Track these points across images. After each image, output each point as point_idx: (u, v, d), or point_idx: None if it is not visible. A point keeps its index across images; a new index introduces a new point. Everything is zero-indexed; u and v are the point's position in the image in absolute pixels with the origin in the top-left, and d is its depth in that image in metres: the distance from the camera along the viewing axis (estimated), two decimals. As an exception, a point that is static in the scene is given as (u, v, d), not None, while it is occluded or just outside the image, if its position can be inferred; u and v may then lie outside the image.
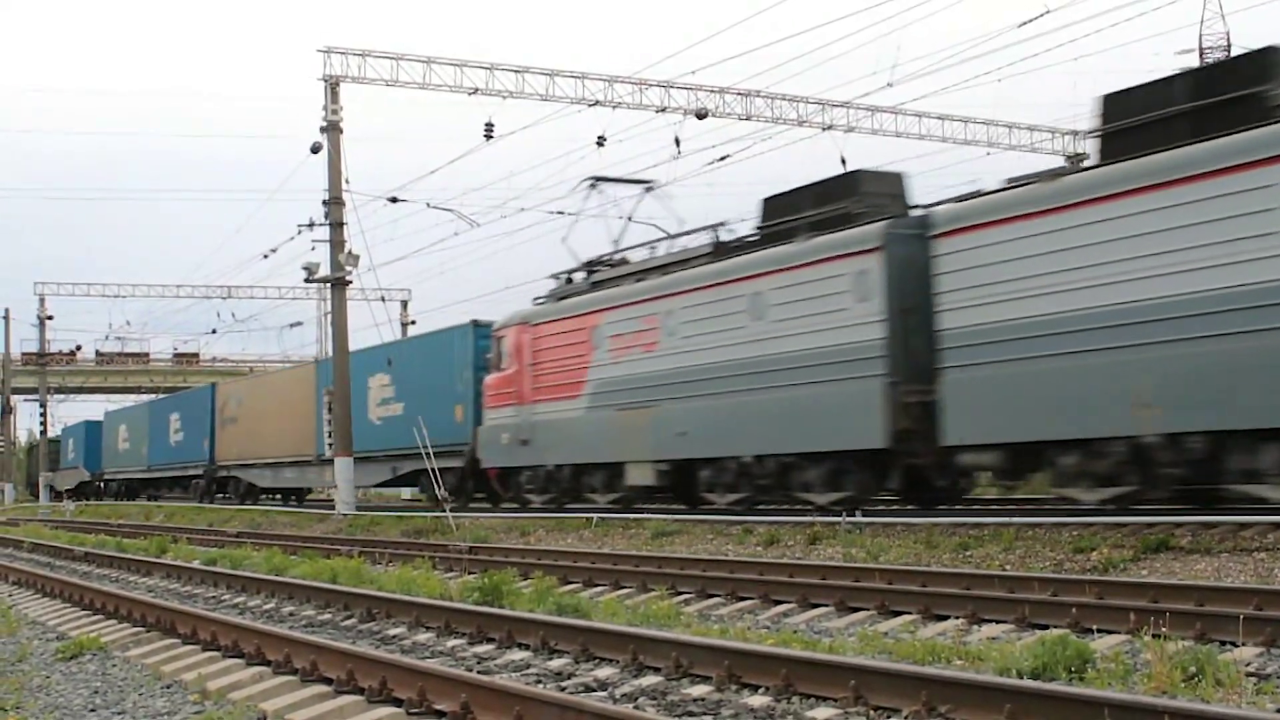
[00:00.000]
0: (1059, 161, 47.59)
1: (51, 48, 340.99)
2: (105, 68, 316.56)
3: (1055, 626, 11.31)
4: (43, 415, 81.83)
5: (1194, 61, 58.19)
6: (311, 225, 37.68)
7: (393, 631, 13.14)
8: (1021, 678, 8.75)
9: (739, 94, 41.09)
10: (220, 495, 57.34)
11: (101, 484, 77.08)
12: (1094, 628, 11.21)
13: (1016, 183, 19.98)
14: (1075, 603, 12.03)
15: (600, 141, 38.25)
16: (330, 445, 39.27)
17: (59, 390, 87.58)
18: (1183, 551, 15.84)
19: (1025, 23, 31.81)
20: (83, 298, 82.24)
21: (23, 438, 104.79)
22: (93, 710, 9.76)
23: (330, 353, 40.95)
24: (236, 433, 53.79)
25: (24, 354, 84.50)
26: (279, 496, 53.27)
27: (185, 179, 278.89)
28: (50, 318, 79.18)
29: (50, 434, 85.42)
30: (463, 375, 35.78)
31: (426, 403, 36.37)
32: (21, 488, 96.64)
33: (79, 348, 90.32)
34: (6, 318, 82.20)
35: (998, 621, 12.18)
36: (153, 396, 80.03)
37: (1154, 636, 9.97)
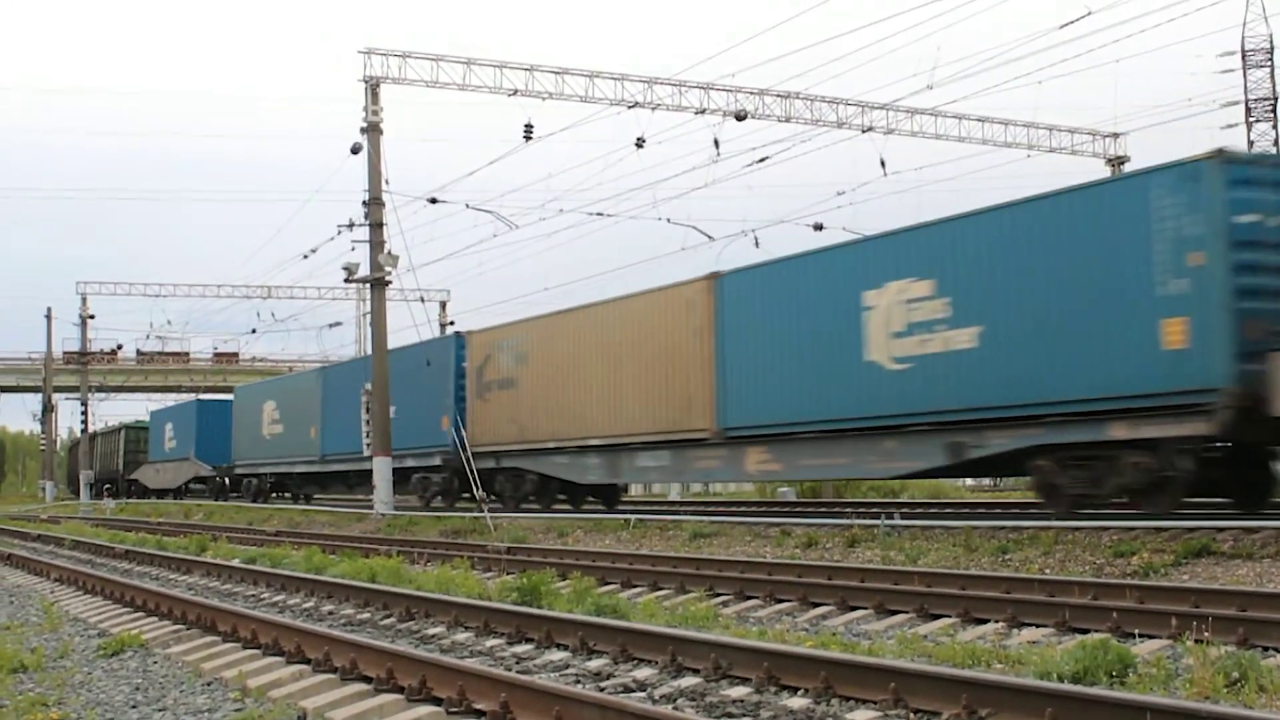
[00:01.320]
0: (1100, 164, 47.45)
1: (99, 50, 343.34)
2: (150, 70, 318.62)
3: (1096, 631, 11.25)
4: (84, 414, 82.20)
5: (1236, 63, 57.92)
6: (351, 226, 37.77)
7: (431, 631, 13.16)
8: (1062, 681, 8.69)
9: (778, 95, 41.06)
10: (488, 499, 33.65)
11: (225, 480, 61.06)
12: (1135, 632, 11.16)
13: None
14: (1116, 607, 11.96)
15: (639, 143, 38.24)
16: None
17: (100, 389, 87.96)
18: (1224, 556, 15.74)
19: (1066, 24, 31.68)
20: (124, 297, 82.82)
21: (64, 436, 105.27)
22: (134, 707, 9.80)
23: (369, 350, 41.02)
24: (515, 402, 34.79)
25: (66, 353, 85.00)
26: (593, 498, 37.00)
27: (228, 180, 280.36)
28: (92, 317, 79.63)
29: (92, 429, 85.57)
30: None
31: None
32: (63, 485, 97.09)
33: (120, 347, 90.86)
34: (49, 317, 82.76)
35: (1038, 625, 12.12)
36: (296, 369, 74.65)
37: (1196, 641, 9.91)
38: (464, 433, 34.84)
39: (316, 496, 53.50)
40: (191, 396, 77.44)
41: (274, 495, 54.87)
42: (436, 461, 37.43)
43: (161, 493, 70.06)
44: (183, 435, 65.43)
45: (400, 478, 38.42)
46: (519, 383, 34.48)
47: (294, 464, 49.63)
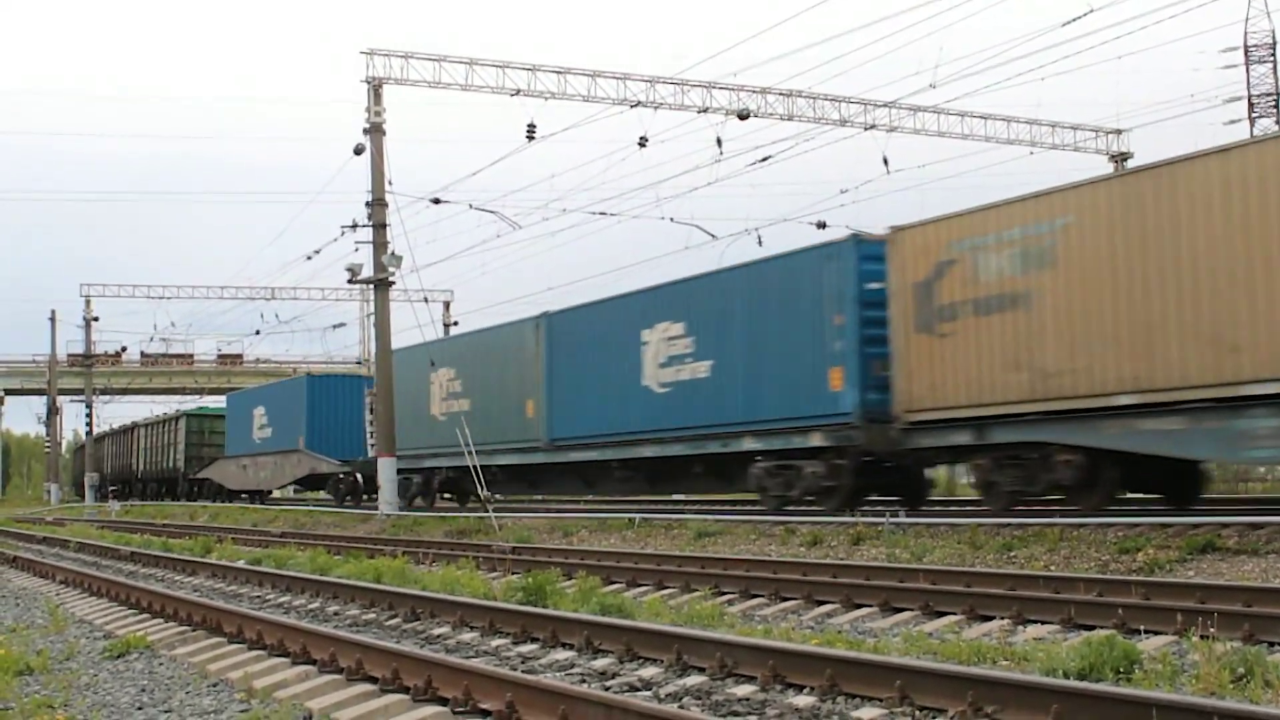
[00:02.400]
0: (1103, 161, 47.44)
1: (101, 53, 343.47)
2: (152, 72, 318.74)
3: (1101, 627, 11.25)
4: (88, 416, 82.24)
5: (1239, 59, 57.90)
6: (355, 226, 37.81)
7: (437, 631, 13.16)
8: (1068, 678, 8.70)
9: (781, 94, 41.05)
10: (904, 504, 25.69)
11: (358, 478, 45.54)
12: (1141, 628, 11.15)
13: None
14: (1121, 603, 11.97)
15: (642, 142, 38.25)
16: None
17: (104, 391, 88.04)
18: (1229, 552, 15.75)
19: (1069, 22, 31.61)
20: (128, 299, 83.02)
21: (69, 438, 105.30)
22: (140, 708, 9.81)
23: (374, 353, 41.01)
24: (1024, 330, 21.58)
25: (70, 355, 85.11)
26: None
27: (230, 181, 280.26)
28: (96, 319, 79.63)
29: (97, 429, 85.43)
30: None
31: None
32: (68, 488, 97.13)
33: (124, 349, 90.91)
34: (53, 319, 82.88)
35: (1043, 622, 12.12)
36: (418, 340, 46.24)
37: (1202, 637, 9.92)
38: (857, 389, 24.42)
39: (535, 498, 42.68)
40: (195, 400, 77.65)
41: (443, 495, 41.51)
42: (816, 442, 25.16)
43: (251, 495, 58.86)
44: (284, 420, 51.22)
45: (719, 466, 28.92)
46: (1033, 297, 21.18)
47: (493, 453, 35.21)
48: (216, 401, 73.31)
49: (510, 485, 37.74)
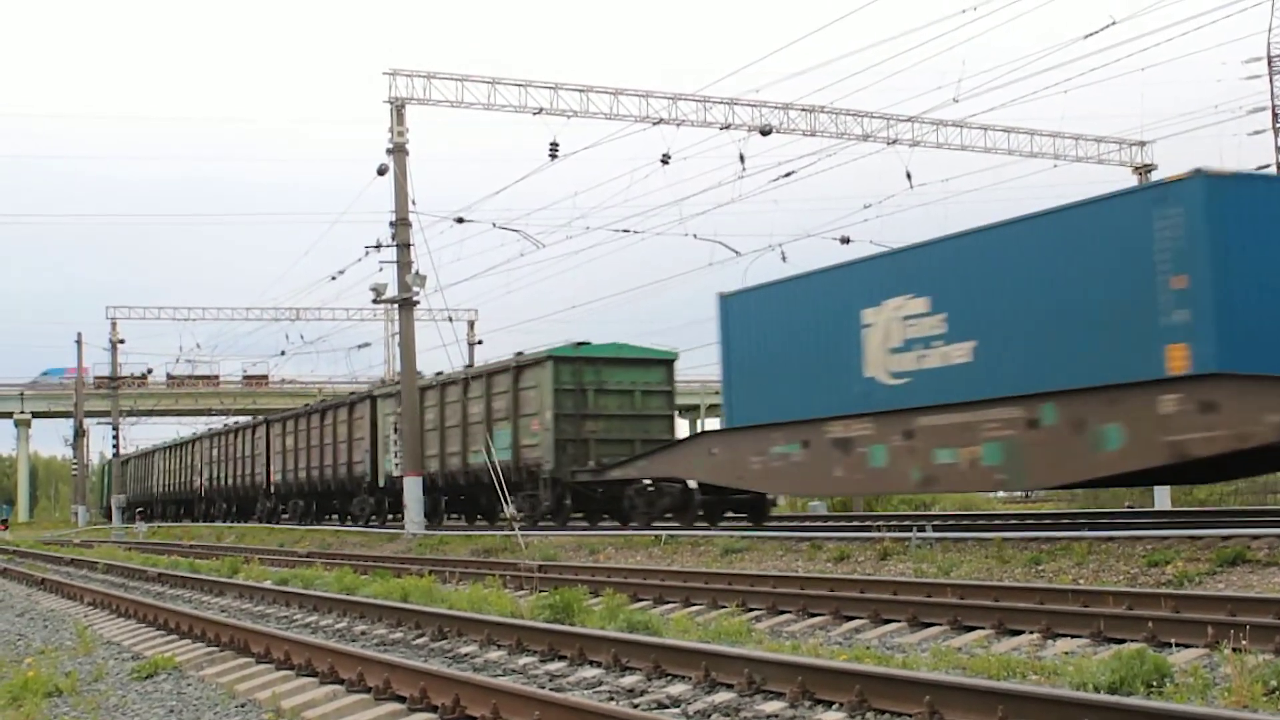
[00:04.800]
0: (1126, 173, 47.34)
1: (121, 78, 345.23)
2: (174, 95, 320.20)
3: (1131, 640, 11.20)
4: (115, 438, 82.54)
5: (1262, 69, 57.77)
6: (379, 246, 37.87)
7: (464, 650, 13.15)
8: (1099, 692, 8.65)
9: (803, 110, 41.03)
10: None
11: None
12: (1171, 642, 11.09)
13: None
14: (1151, 616, 11.90)
15: (665, 159, 38.27)
16: None
17: (130, 413, 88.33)
18: (1259, 564, 15.64)
19: (1091, 34, 31.55)
20: (153, 321, 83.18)
21: (95, 460, 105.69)
22: (169, 729, 9.82)
23: (400, 373, 41.08)
24: None
25: (96, 378, 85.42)
26: None
27: (254, 203, 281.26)
28: (122, 341, 79.89)
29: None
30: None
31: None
32: (95, 510, 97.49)
33: (150, 371, 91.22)
34: (79, 342, 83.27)
35: (1073, 636, 12.07)
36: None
37: (1233, 650, 9.86)
38: None
39: None
40: (223, 420, 77.57)
41: None
42: None
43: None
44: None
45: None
46: None
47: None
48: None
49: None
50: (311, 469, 51.19)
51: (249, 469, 60.31)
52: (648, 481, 32.05)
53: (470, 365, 42.70)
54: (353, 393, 48.43)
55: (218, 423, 79.16)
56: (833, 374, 25.62)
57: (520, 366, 35.68)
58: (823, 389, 25.90)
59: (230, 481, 63.29)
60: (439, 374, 40.36)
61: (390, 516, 44.88)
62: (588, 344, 35.08)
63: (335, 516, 52.39)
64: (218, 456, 65.78)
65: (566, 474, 33.94)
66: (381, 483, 44.24)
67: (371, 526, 44.11)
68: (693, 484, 30.66)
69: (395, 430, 41.10)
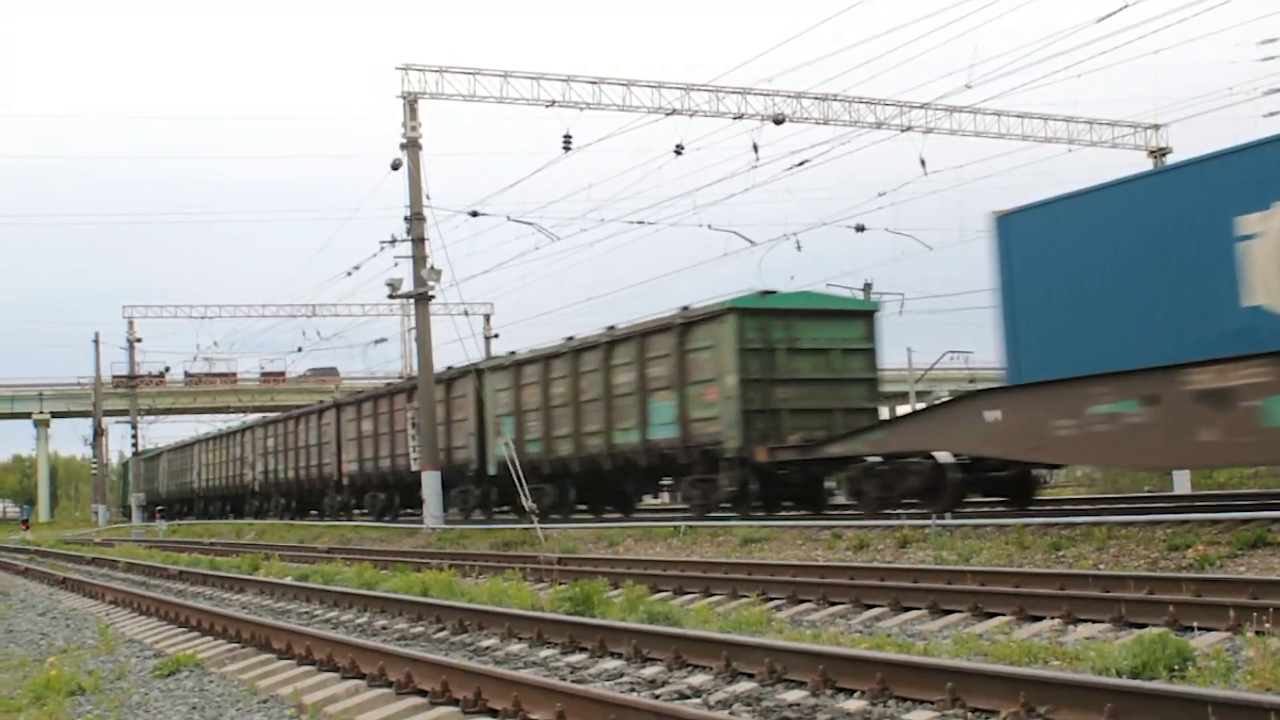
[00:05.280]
0: (1142, 156, 47.22)
1: (139, 75, 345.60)
2: (190, 93, 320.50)
3: (1153, 625, 11.18)
4: (134, 437, 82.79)
5: (1277, 50, 57.52)
6: (394, 241, 37.90)
7: (485, 643, 13.16)
8: (1121, 677, 8.63)
9: (816, 98, 40.97)
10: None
11: None
12: (1193, 625, 11.07)
13: None
14: (1173, 600, 11.87)
15: (678, 150, 38.24)
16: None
17: (149, 412, 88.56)
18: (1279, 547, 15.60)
19: (1104, 18, 31.41)
20: (170, 320, 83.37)
21: (114, 460, 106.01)
22: (192, 726, 9.84)
23: (416, 368, 41.08)
24: None
25: (114, 377, 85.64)
26: None
27: (268, 200, 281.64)
28: (139, 340, 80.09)
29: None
30: None
31: None
32: (115, 509, 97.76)
33: (168, 369, 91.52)
34: (97, 341, 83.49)
35: (1094, 621, 12.04)
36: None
37: (1256, 633, 9.83)
38: None
39: None
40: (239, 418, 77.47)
41: None
42: None
43: None
44: None
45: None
46: None
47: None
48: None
49: None
50: (397, 456, 43.98)
51: (314, 459, 53.33)
52: (875, 459, 25.76)
53: (613, 327, 33.20)
54: (450, 367, 40.31)
55: (236, 419, 79.23)
56: (1191, 305, 19.11)
57: (689, 323, 29.33)
58: (1175, 326, 19.37)
59: (290, 474, 56.45)
60: (570, 338, 34.23)
61: (500, 509, 39.16)
62: (774, 293, 29.21)
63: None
64: (274, 446, 58.93)
65: (755, 452, 27.43)
66: (493, 470, 37.06)
67: (475, 522, 38.15)
68: (944, 458, 24.26)
69: (512, 410, 36.07)
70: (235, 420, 79.30)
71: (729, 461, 27.94)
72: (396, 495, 45.68)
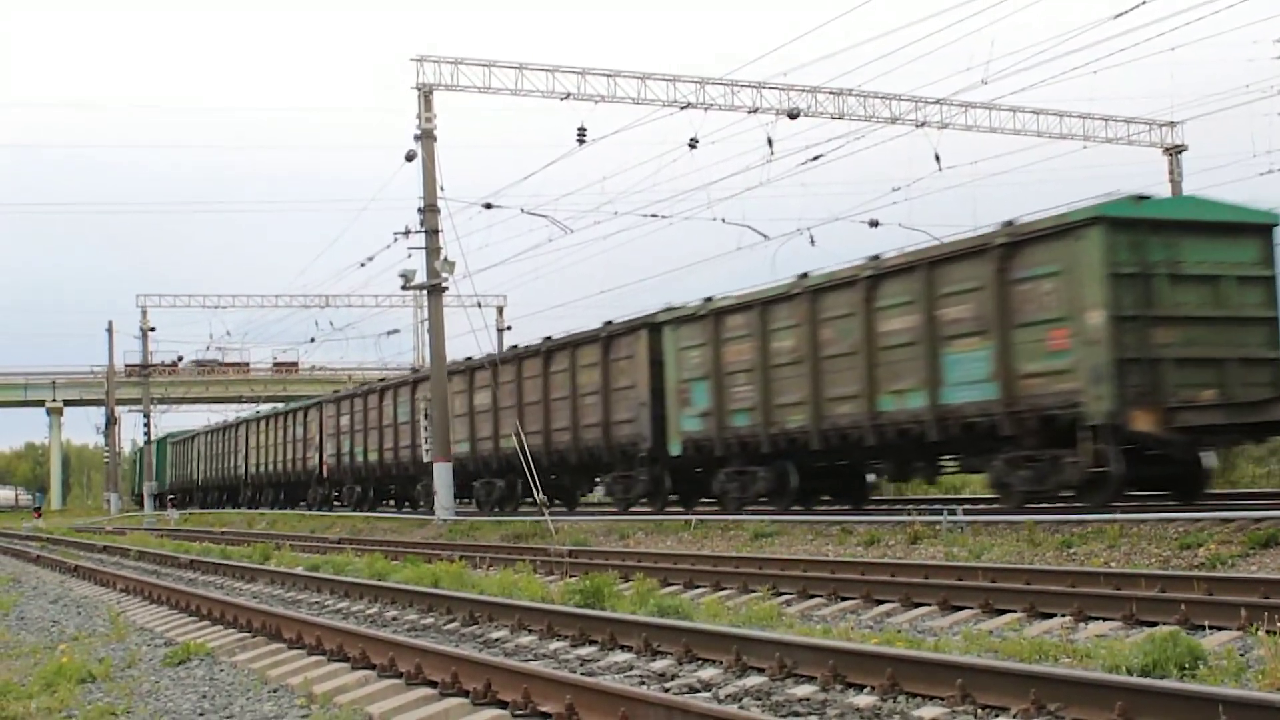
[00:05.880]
0: (1157, 154, 47.11)
1: (153, 65, 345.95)
2: (205, 84, 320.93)
3: (1164, 623, 11.15)
4: (146, 426, 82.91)
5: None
6: (407, 233, 37.93)
7: (495, 635, 13.17)
8: (1131, 675, 8.61)
9: (831, 93, 40.95)
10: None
11: None
12: (1204, 624, 11.05)
13: None
14: (1184, 599, 11.85)
15: (693, 144, 38.23)
16: None
17: (161, 401, 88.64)
18: (1293, 546, 15.55)
19: (1121, 14, 31.32)
20: (183, 309, 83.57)
21: (127, 448, 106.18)
22: (201, 715, 9.85)
23: (428, 360, 41.05)
24: None
25: (127, 366, 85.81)
26: None
27: (283, 191, 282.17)
28: (152, 329, 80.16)
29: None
30: None
31: None
32: (127, 498, 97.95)
33: (180, 359, 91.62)
34: (110, 330, 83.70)
35: (1105, 619, 12.02)
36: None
37: (1268, 633, 9.81)
38: None
39: None
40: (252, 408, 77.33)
41: None
42: None
43: None
44: None
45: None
46: None
47: None
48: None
49: None
50: (561, 430, 34.36)
51: (404, 439, 43.99)
52: None
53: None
54: (608, 322, 32.60)
55: (249, 409, 79.22)
56: None
57: (1018, 242, 21.50)
58: None
59: (373, 456, 46.72)
60: (804, 275, 26.40)
61: (674, 499, 32.35)
62: (1149, 198, 21.62)
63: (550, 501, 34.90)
64: (349, 426, 49.41)
65: (1131, 417, 19.95)
66: (676, 450, 30.03)
67: (641, 510, 32.40)
68: None
69: (708, 372, 28.82)
70: (248, 409, 79.29)
71: (1091, 431, 20.23)
72: (519, 481, 36.19)
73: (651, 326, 30.80)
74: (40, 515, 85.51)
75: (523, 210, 40.42)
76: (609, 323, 32.87)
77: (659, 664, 10.59)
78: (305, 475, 55.33)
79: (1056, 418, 20.70)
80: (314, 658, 11.71)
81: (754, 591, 16.03)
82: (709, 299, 29.23)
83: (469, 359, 39.53)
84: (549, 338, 35.49)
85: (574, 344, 33.98)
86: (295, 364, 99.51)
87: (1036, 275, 21.10)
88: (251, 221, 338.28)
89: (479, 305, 38.82)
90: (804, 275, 26.26)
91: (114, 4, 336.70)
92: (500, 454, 35.95)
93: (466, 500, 40.77)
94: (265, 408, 74.02)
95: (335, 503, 52.91)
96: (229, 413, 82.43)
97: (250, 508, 62.23)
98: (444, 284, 37.11)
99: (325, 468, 52.13)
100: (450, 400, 38.14)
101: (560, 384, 34.43)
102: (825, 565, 18.01)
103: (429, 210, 36.75)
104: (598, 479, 35.26)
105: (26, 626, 17.24)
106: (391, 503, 52.22)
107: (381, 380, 46.22)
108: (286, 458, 58.15)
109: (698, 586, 17.18)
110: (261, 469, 62.25)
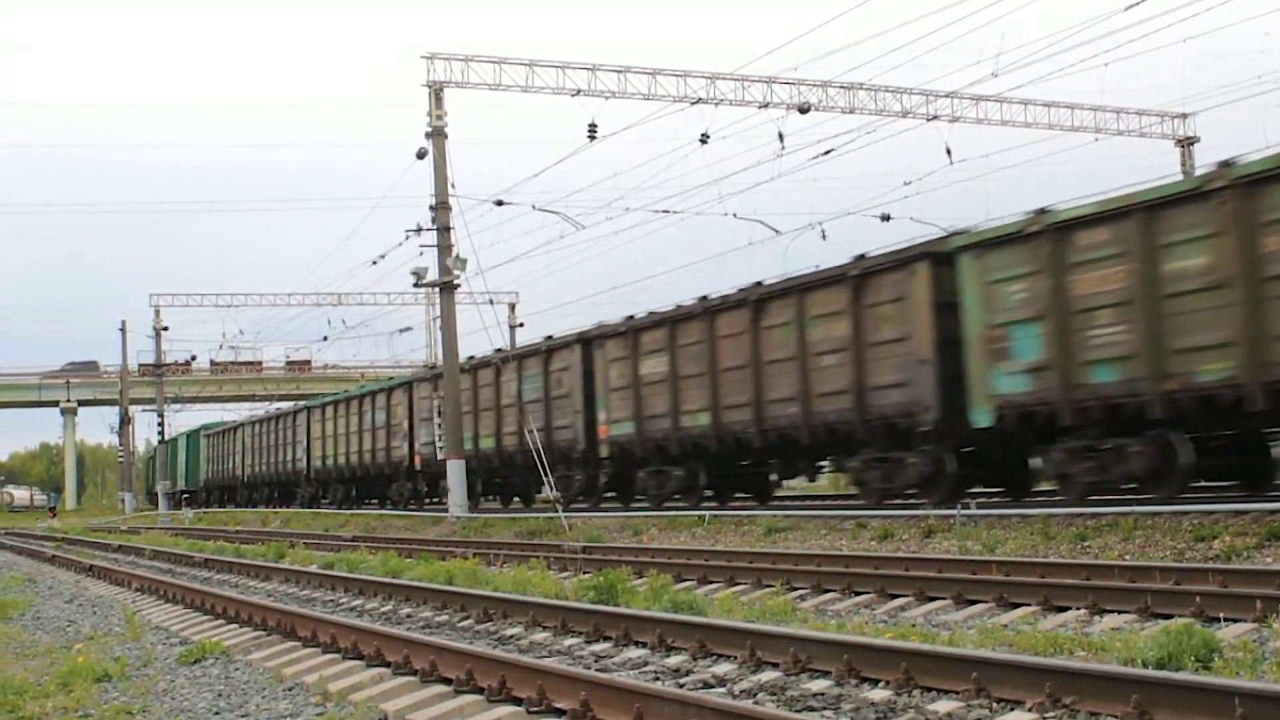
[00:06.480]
0: (1169, 146, 47.01)
1: (166, 64, 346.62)
2: (215, 83, 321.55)
3: (1179, 616, 11.13)
4: (160, 425, 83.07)
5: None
6: (419, 230, 37.98)
7: (510, 631, 13.17)
8: (1147, 668, 8.59)
9: (842, 87, 40.94)
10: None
11: None
12: (1220, 616, 11.02)
13: None
14: (1199, 591, 11.81)
15: (704, 139, 38.21)
16: None
17: (175, 400, 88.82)
18: (1307, 538, 15.52)
19: (1132, 5, 31.26)
20: (196, 308, 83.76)
21: (141, 448, 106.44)
22: (217, 713, 9.86)
23: (441, 357, 41.03)
24: None
25: (141, 365, 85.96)
26: None
27: (295, 189, 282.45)
28: (166, 329, 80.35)
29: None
30: None
31: None
32: (141, 497, 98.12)
33: (194, 358, 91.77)
34: (124, 330, 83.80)
35: (1119, 612, 11.99)
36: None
37: (1283, 624, 9.78)
38: None
39: None
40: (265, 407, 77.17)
41: None
42: None
43: None
44: None
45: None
46: None
47: None
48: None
49: None
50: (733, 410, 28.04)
51: (503, 423, 38.02)
52: None
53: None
54: (759, 283, 27.49)
55: (260, 409, 79.19)
56: None
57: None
58: None
59: (493, 443, 38.39)
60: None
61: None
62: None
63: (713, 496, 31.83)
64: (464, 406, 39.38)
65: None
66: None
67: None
68: None
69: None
70: (260, 409, 79.24)
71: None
72: (699, 470, 30.52)
73: (802, 289, 25.95)
74: (55, 515, 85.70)
75: (534, 207, 40.47)
76: (759, 283, 27.58)
77: (673, 660, 10.59)
78: (390, 468, 47.07)
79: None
80: (328, 656, 11.72)
81: (768, 586, 16.01)
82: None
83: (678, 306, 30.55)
84: (706, 296, 29.19)
85: (719, 309, 28.36)
86: (308, 362, 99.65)
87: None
88: (264, 220, 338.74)
89: (491, 302, 38.91)
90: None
91: (133, 5, 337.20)
92: (680, 434, 29.77)
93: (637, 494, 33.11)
94: (285, 404, 72.79)
95: (430, 501, 45.60)
96: (241, 411, 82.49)
97: (312, 507, 54.50)
98: (456, 281, 37.14)
99: (418, 459, 43.79)
100: (606, 370, 32.51)
101: (686, 360, 29.44)
102: (839, 560, 17.98)
103: (440, 208, 36.79)
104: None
105: (42, 626, 17.27)
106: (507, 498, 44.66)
107: (499, 350, 39.21)
108: (363, 448, 49.39)
109: (711, 582, 17.17)
110: (329, 461, 53.48)
